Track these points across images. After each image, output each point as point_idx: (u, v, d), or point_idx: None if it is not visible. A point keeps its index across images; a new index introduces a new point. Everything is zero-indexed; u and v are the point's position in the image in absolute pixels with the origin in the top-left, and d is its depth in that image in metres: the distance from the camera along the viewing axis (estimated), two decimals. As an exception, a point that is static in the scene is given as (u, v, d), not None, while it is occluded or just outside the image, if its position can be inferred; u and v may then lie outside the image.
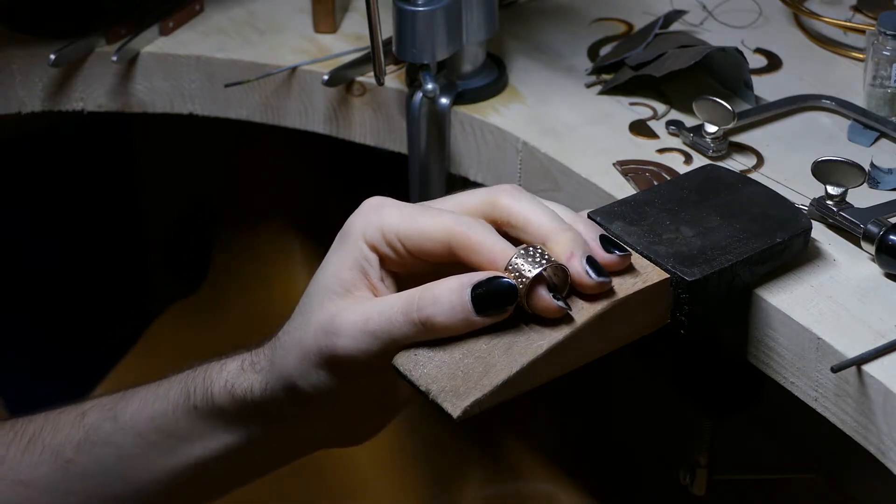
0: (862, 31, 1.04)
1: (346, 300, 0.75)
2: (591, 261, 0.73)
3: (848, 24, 1.06)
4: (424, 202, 0.78)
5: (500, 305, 0.72)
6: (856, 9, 1.09)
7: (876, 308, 0.80)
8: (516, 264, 0.72)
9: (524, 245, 0.73)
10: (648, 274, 0.77)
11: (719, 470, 1.00)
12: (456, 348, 0.72)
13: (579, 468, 1.31)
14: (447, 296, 0.72)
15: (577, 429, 1.33)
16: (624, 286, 0.75)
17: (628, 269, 0.76)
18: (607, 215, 0.81)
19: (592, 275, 0.72)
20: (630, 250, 0.76)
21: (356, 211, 0.77)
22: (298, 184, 1.35)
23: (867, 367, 0.76)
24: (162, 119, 1.13)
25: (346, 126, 1.08)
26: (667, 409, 1.05)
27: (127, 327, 1.38)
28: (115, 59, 1.08)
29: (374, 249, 0.75)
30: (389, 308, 0.73)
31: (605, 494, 1.31)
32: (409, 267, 0.76)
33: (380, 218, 0.75)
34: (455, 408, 0.70)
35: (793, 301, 0.81)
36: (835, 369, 0.76)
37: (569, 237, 0.73)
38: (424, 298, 0.72)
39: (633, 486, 1.29)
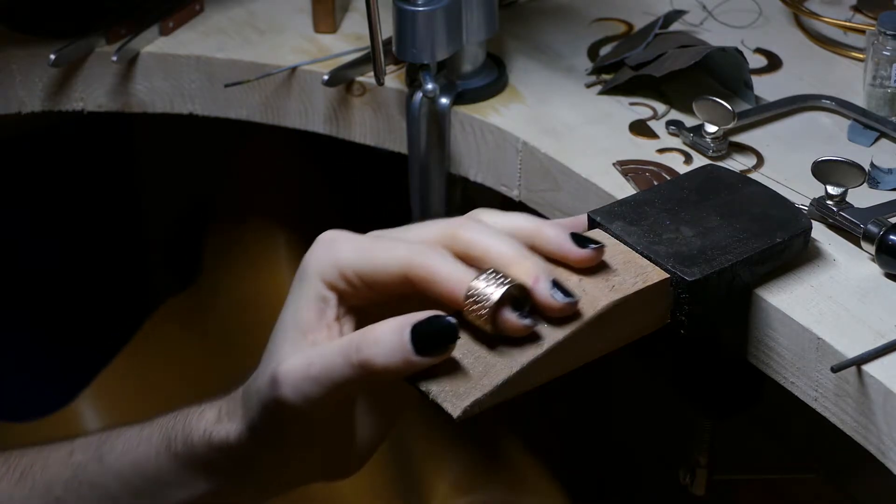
0: (862, 31, 1.04)
1: (299, 345, 0.73)
2: (556, 283, 0.71)
3: (848, 24, 1.06)
4: (381, 231, 0.76)
5: (442, 345, 0.70)
6: (856, 9, 1.09)
7: (876, 308, 0.80)
8: (476, 289, 0.70)
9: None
10: (648, 274, 0.77)
11: (719, 470, 1.00)
12: (456, 349, 0.72)
13: (579, 468, 1.31)
14: (387, 336, 0.70)
15: (578, 429, 1.33)
16: (624, 286, 0.75)
17: (628, 269, 0.76)
18: (607, 215, 0.81)
19: (559, 296, 0.71)
20: (603, 241, 0.76)
21: (311, 248, 0.75)
22: (298, 184, 1.35)
23: (867, 367, 0.76)
24: (162, 119, 1.13)
25: (346, 126, 1.08)
26: (667, 409, 1.05)
27: (127, 327, 1.38)
28: (115, 59, 1.08)
29: (332, 287, 0.74)
30: (330, 352, 0.72)
31: (606, 494, 1.31)
32: (370, 300, 0.74)
33: (334, 254, 0.73)
34: (455, 408, 0.70)
35: (793, 301, 0.81)
36: (835, 369, 0.76)
37: (531, 262, 0.72)
38: (365, 340, 0.70)
39: (633, 486, 1.29)
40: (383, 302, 0.74)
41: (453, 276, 0.71)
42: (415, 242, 0.73)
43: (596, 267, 0.76)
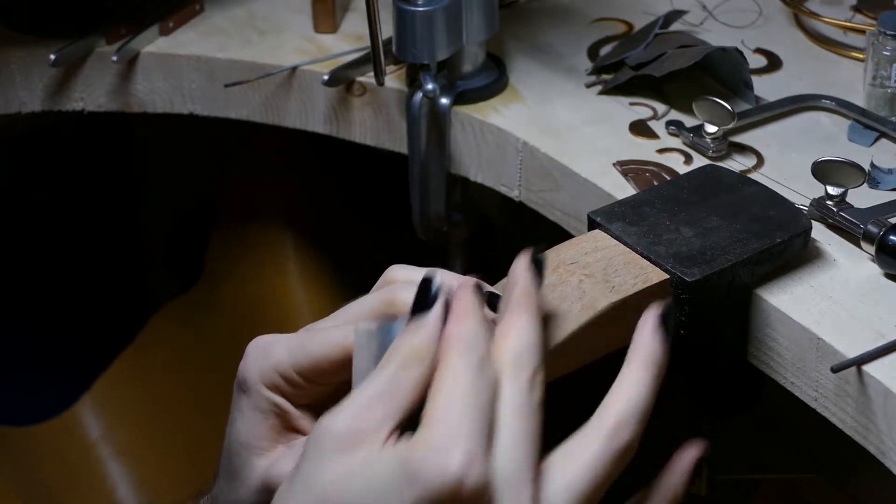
0: (862, 31, 1.04)
1: (272, 452, 0.71)
2: None
3: (848, 24, 1.06)
4: (315, 323, 0.73)
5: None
6: (856, 9, 1.09)
7: (876, 308, 0.80)
8: None
9: None
10: (648, 275, 0.77)
11: (719, 470, 1.00)
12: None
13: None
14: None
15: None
16: (624, 287, 0.75)
17: (628, 270, 0.76)
18: (607, 215, 0.81)
19: None
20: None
21: (244, 358, 0.72)
22: (300, 184, 1.35)
23: (867, 367, 0.76)
24: (162, 119, 1.13)
25: (346, 126, 1.08)
26: (667, 409, 1.05)
27: (126, 327, 1.38)
28: (115, 59, 1.08)
29: (279, 391, 0.71)
30: None
31: (605, 494, 1.30)
32: (319, 395, 0.71)
33: (270, 358, 0.70)
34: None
35: (793, 301, 0.81)
36: (835, 369, 0.76)
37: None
38: None
39: (633, 487, 1.29)
40: (334, 392, 0.71)
41: None
42: (349, 322, 0.70)
43: (596, 268, 0.76)
